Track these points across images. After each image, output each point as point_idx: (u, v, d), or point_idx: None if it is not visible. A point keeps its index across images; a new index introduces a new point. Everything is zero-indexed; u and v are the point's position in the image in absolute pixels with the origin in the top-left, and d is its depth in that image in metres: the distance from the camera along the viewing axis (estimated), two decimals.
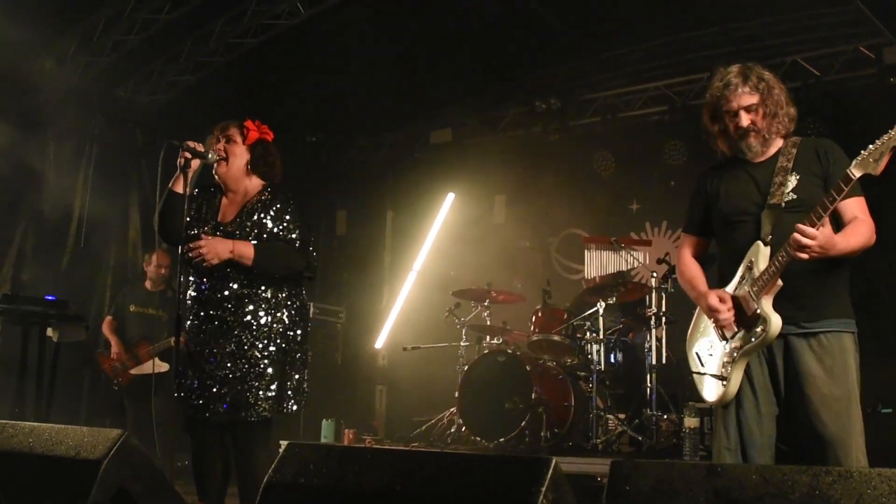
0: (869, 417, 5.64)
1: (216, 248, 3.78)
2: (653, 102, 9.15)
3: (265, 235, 3.91)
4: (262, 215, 3.95)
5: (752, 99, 3.39)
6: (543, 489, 1.88)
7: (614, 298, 6.94)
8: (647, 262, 7.49)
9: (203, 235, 3.88)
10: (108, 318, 7.45)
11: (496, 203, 9.97)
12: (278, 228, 3.94)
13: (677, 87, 8.95)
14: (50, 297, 5.79)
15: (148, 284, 7.41)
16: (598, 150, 9.37)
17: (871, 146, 3.00)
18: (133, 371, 7.06)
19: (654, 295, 6.67)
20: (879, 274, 7.16)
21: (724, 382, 3.32)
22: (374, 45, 8.55)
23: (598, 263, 7.62)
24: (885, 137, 2.96)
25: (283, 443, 2.47)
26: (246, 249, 3.83)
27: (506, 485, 1.93)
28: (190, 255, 3.79)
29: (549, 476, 1.90)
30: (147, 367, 6.91)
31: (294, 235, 3.97)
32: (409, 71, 9.01)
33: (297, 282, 4.05)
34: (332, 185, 10.94)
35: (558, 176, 9.63)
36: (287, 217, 3.99)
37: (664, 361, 6.57)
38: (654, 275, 6.75)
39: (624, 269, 7.55)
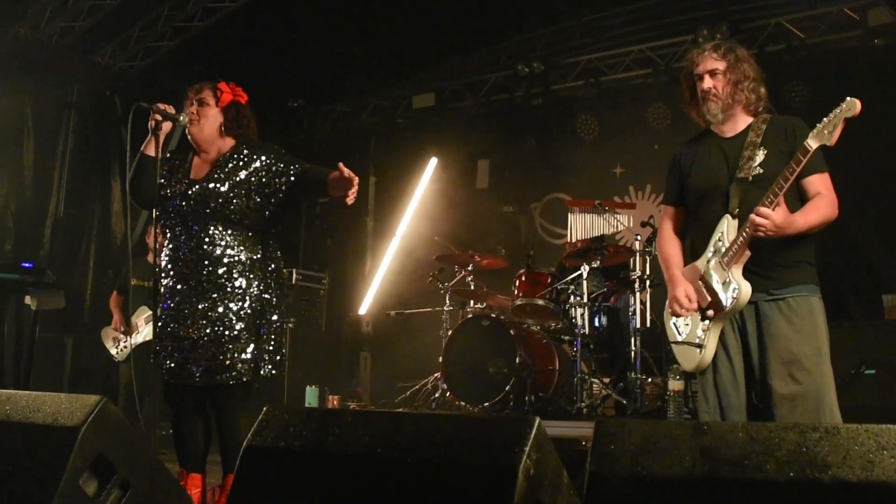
0: (853, 378, 5.68)
1: None
2: (636, 65, 9.10)
3: (240, 185, 3.85)
4: (241, 164, 3.89)
5: (718, 65, 3.53)
6: (527, 449, 1.85)
7: (598, 262, 6.92)
8: (632, 225, 7.47)
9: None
10: (114, 293, 7.43)
11: (479, 168, 9.93)
12: (285, 162, 3.94)
13: (661, 50, 8.90)
14: (27, 265, 5.69)
15: (150, 258, 7.36)
16: (581, 113, 9.33)
17: (825, 118, 3.13)
18: (131, 341, 7.04)
19: (638, 258, 6.66)
20: (866, 240, 7.17)
21: (700, 350, 3.43)
22: (355, 9, 8.45)
23: (582, 227, 7.59)
24: (838, 110, 3.11)
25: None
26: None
27: (489, 445, 1.90)
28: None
29: (532, 435, 1.88)
30: (141, 338, 6.87)
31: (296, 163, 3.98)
32: (391, 35, 8.91)
33: (271, 244, 4.01)
34: (314, 150, 10.84)
35: (542, 140, 9.62)
36: (281, 154, 3.99)
37: (648, 325, 6.57)
38: (639, 238, 6.73)
39: (608, 232, 7.53)
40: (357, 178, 3.69)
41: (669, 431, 1.84)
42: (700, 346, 3.43)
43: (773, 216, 3.16)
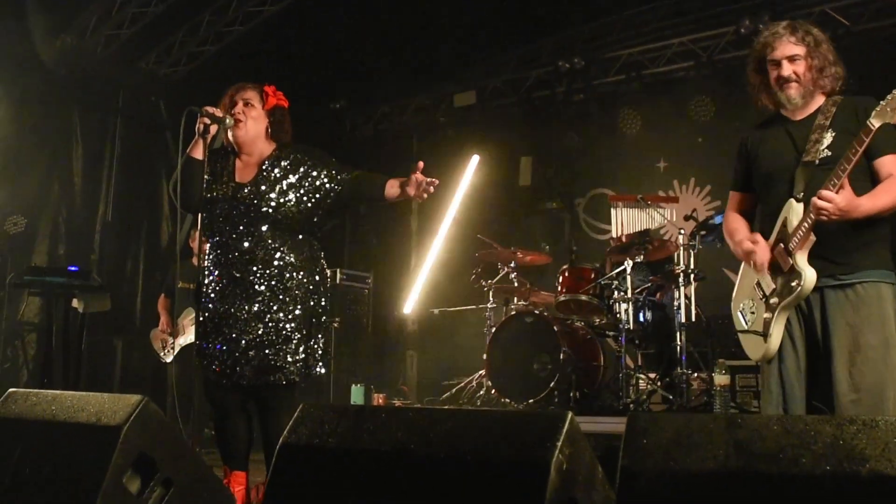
0: None
1: None
2: (678, 58, 8.99)
3: (290, 190, 3.88)
4: (289, 168, 3.92)
5: (797, 49, 3.39)
6: (559, 444, 1.85)
7: (642, 256, 6.86)
8: (675, 219, 7.40)
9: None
10: (162, 295, 7.54)
11: (522, 165, 9.89)
12: (333, 170, 3.96)
13: (703, 42, 8.79)
14: (73, 268, 5.79)
15: (194, 260, 7.46)
16: (623, 108, 9.27)
17: (889, 96, 3.02)
18: (178, 342, 7.14)
19: (682, 252, 6.58)
20: None
21: (766, 339, 3.36)
22: (396, 9, 8.48)
23: (625, 222, 7.54)
24: None
25: None
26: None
27: (521, 440, 1.90)
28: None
29: (564, 430, 1.87)
30: (188, 339, 6.98)
31: (348, 171, 4.00)
32: (432, 35, 8.92)
33: (316, 245, 4.03)
34: (357, 151, 10.91)
35: (584, 136, 9.57)
36: (328, 160, 4.01)
37: (693, 319, 6.49)
38: (682, 232, 6.66)
39: (651, 226, 7.47)
40: (437, 180, 3.76)
41: (703, 425, 1.82)
42: (765, 335, 3.35)
43: (836, 199, 3.05)
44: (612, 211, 7.67)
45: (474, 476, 1.92)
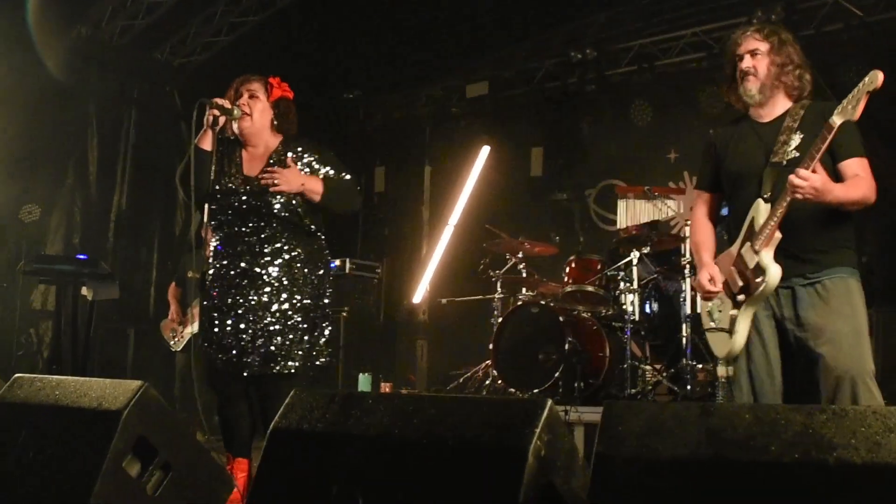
0: None
1: (288, 178, 3.82)
2: (690, 49, 8.97)
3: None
4: (298, 163, 3.98)
5: (759, 45, 3.49)
6: (538, 430, 1.90)
7: (649, 248, 6.88)
8: (682, 210, 7.41)
9: (270, 169, 3.91)
10: (172, 284, 7.59)
11: (533, 155, 9.92)
12: (332, 171, 4.02)
13: (715, 34, 8.75)
14: (81, 256, 5.85)
15: (205, 251, 7.51)
16: (634, 99, 9.26)
17: (850, 94, 3.09)
18: (187, 331, 7.20)
19: (688, 244, 6.59)
20: None
21: (731, 335, 3.40)
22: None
23: (631, 213, 7.55)
24: (861, 84, 3.06)
25: None
26: (316, 185, 3.90)
27: (501, 427, 1.96)
28: (263, 182, 3.84)
29: (543, 417, 1.92)
30: (198, 327, 7.02)
31: (347, 176, 4.07)
32: (444, 25, 8.95)
33: (321, 235, 4.09)
34: (370, 141, 10.98)
35: (595, 127, 9.57)
36: (333, 160, 4.07)
37: (699, 311, 6.50)
38: (689, 223, 6.67)
39: (658, 218, 7.47)
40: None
41: (676, 413, 1.87)
42: (731, 331, 3.39)
43: (812, 178, 3.10)
44: (620, 202, 7.68)
45: (455, 461, 1.97)
